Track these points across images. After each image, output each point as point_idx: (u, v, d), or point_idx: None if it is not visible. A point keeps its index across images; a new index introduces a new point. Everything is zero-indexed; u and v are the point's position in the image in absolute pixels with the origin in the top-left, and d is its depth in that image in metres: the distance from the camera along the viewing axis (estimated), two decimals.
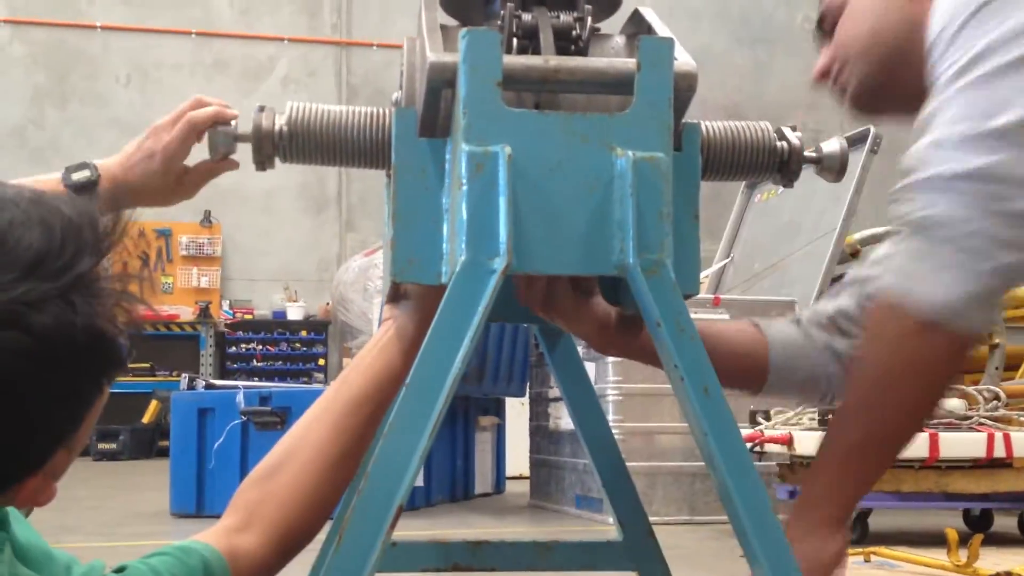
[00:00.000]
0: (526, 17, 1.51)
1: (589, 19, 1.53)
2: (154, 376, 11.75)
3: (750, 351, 1.78)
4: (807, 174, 1.72)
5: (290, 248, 12.79)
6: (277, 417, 5.58)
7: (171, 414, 6.21)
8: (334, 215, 12.91)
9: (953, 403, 4.70)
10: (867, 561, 3.85)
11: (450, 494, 6.58)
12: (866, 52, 1.72)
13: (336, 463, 1.51)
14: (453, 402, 1.37)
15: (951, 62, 1.46)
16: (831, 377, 1.77)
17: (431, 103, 1.47)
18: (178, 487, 5.84)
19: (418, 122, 1.51)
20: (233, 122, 1.66)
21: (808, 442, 4.57)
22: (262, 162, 1.59)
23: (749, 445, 4.64)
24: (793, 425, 4.78)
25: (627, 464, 2.04)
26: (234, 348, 12.32)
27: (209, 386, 6.71)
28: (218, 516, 1.47)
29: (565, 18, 1.53)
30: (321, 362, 12.37)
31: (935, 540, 3.94)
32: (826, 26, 1.81)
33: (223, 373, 11.94)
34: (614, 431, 2.03)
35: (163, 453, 9.04)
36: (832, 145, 1.71)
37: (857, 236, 6.33)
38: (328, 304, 11.63)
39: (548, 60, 1.42)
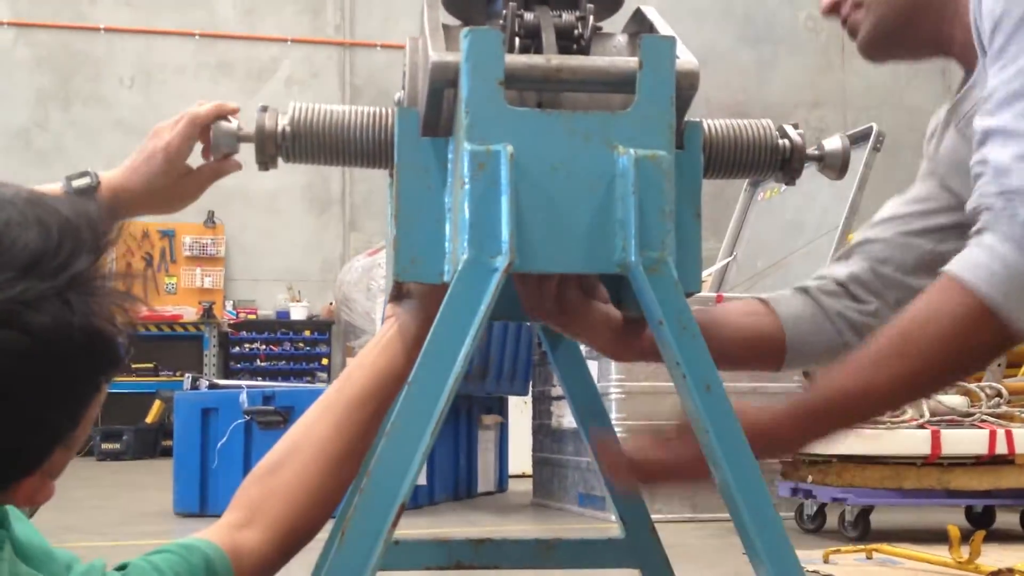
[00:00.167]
0: (528, 16, 1.51)
1: (591, 18, 1.53)
2: (158, 376, 11.77)
3: (764, 333, 1.75)
4: (809, 172, 1.72)
5: (294, 248, 12.80)
6: (280, 416, 5.59)
7: (175, 414, 6.21)
8: (338, 215, 12.92)
9: (955, 400, 4.70)
10: (869, 558, 3.85)
11: (453, 492, 6.58)
12: None
13: (338, 460, 1.51)
14: (456, 400, 1.37)
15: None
16: (849, 347, 1.71)
17: (433, 102, 1.48)
18: (182, 487, 5.85)
19: (421, 122, 1.51)
20: (236, 122, 1.66)
21: None
22: (265, 162, 1.59)
23: None
24: None
25: None
26: (238, 348, 12.33)
27: (212, 386, 6.72)
28: (221, 516, 1.48)
29: (567, 17, 1.53)
30: (324, 362, 12.38)
31: (937, 537, 3.95)
32: None
33: (227, 373, 11.95)
34: (617, 429, 2.04)
35: (167, 453, 9.06)
36: (834, 143, 1.71)
37: (859, 234, 6.33)
38: (332, 304, 11.64)
39: (550, 59, 1.43)
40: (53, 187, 1.66)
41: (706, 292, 6.25)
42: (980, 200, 1.43)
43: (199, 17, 12.76)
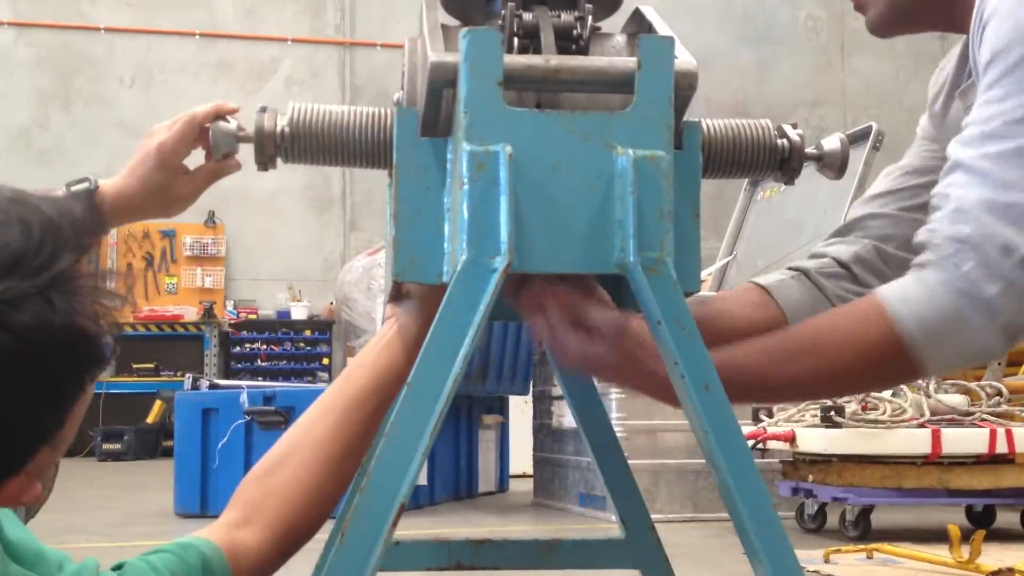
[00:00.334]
0: (527, 16, 1.51)
1: (590, 18, 1.53)
2: (158, 376, 11.78)
3: (765, 324, 1.72)
4: (809, 171, 1.72)
5: (294, 248, 12.80)
6: (281, 416, 5.59)
7: (175, 414, 6.22)
8: (338, 215, 12.92)
9: (956, 399, 4.71)
10: (870, 557, 3.85)
11: (454, 492, 6.58)
12: None
13: (337, 460, 1.51)
14: (456, 400, 1.37)
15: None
16: None
17: (432, 103, 1.48)
18: (182, 487, 5.85)
19: (419, 122, 1.51)
20: (235, 122, 1.66)
21: (811, 439, 4.58)
22: (264, 162, 1.59)
23: (752, 442, 4.65)
24: (796, 422, 4.79)
25: (631, 462, 2.04)
26: (238, 348, 12.34)
27: (213, 386, 6.72)
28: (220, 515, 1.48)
29: (566, 17, 1.53)
30: (325, 361, 12.38)
31: (938, 536, 3.95)
32: None
33: (227, 373, 11.96)
34: (618, 429, 2.04)
35: (168, 453, 9.06)
36: (833, 142, 1.71)
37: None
38: (332, 304, 11.64)
39: (549, 59, 1.43)
40: (55, 193, 1.66)
41: (706, 292, 6.24)
42: (930, 236, 1.44)
43: (199, 17, 12.77)
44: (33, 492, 1.08)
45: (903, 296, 1.43)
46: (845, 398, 4.72)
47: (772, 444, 4.71)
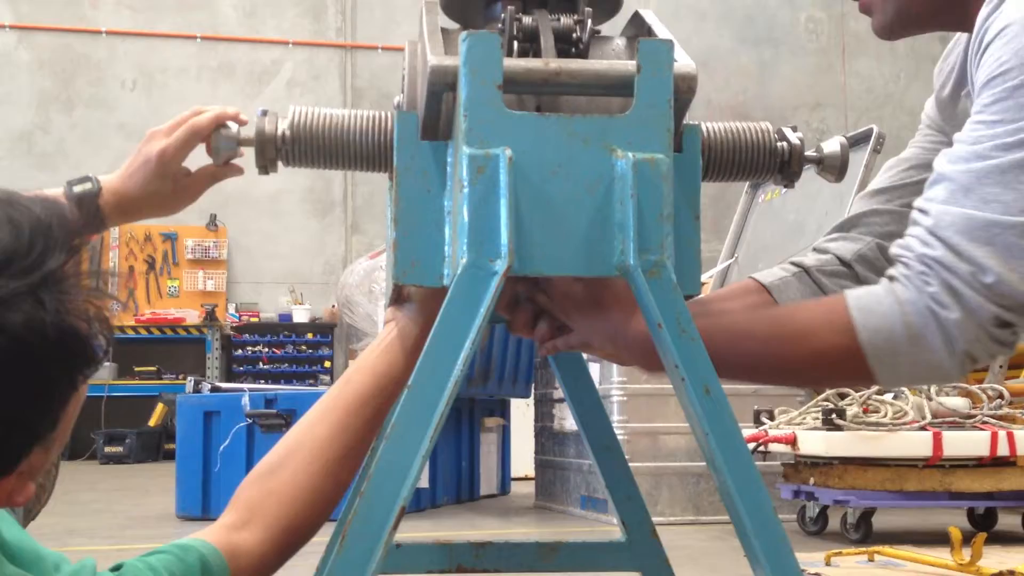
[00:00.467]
0: (527, 20, 1.52)
1: (589, 21, 1.54)
2: (160, 379, 11.78)
3: None
4: (810, 174, 1.73)
5: (296, 251, 12.80)
6: (282, 419, 5.59)
7: (177, 417, 6.21)
8: (339, 218, 12.92)
9: (957, 402, 4.70)
10: (871, 560, 3.85)
11: (455, 495, 6.58)
12: None
13: (337, 462, 1.52)
14: (458, 403, 1.38)
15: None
16: None
17: (432, 106, 1.48)
18: (184, 490, 5.85)
19: (420, 125, 1.52)
20: (236, 126, 1.67)
21: (812, 442, 4.58)
22: (265, 166, 1.60)
23: (753, 445, 4.65)
24: (797, 425, 4.79)
25: (632, 464, 2.05)
26: (240, 351, 12.33)
27: (214, 389, 6.72)
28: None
29: (565, 20, 1.54)
30: (327, 364, 12.38)
31: (939, 539, 3.94)
32: None
33: (229, 376, 11.95)
34: (619, 432, 2.04)
35: (169, 456, 9.05)
36: (832, 145, 1.71)
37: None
38: (334, 307, 11.64)
39: (548, 63, 1.43)
40: (55, 191, 1.66)
41: (709, 294, 6.23)
42: (903, 251, 1.45)
43: (201, 20, 12.77)
44: (27, 493, 1.08)
45: (868, 307, 1.45)
46: (846, 400, 4.73)
47: (773, 447, 4.71)
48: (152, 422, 11.07)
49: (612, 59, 1.59)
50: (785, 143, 1.65)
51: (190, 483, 5.81)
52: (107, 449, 10.63)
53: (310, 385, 11.37)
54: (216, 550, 1.36)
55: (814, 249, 1.85)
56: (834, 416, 4.52)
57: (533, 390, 6.66)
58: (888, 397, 4.72)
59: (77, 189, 1.68)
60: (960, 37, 1.75)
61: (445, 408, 1.33)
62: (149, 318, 12.10)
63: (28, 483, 1.08)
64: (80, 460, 10.77)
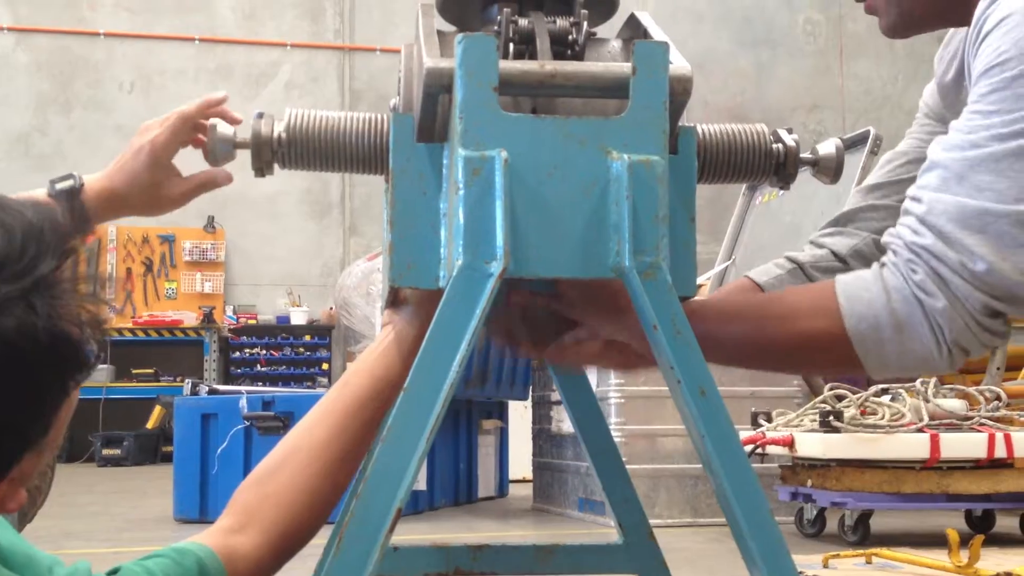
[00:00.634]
0: (522, 22, 1.52)
1: (585, 24, 1.54)
2: (158, 382, 11.77)
3: None
4: (807, 175, 1.73)
5: (293, 253, 12.80)
6: (280, 422, 5.59)
7: (175, 419, 6.21)
8: (337, 219, 12.92)
9: (954, 404, 4.70)
10: (868, 562, 3.85)
11: (453, 498, 6.58)
12: None
13: (335, 465, 1.52)
14: (456, 405, 1.38)
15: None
16: None
17: (428, 108, 1.48)
18: (181, 492, 5.85)
19: (416, 127, 1.52)
20: (232, 128, 1.66)
21: (810, 444, 4.58)
22: (261, 168, 1.59)
23: (751, 447, 4.64)
24: (795, 427, 4.79)
25: (630, 467, 2.04)
26: (238, 353, 12.33)
27: (212, 391, 6.72)
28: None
29: (561, 23, 1.54)
30: (325, 366, 12.38)
31: (937, 541, 3.94)
32: None
33: (227, 378, 11.95)
34: (616, 434, 2.04)
35: (167, 458, 9.05)
36: (828, 147, 1.71)
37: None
38: (332, 308, 11.65)
39: (544, 65, 1.43)
40: (39, 192, 1.66)
41: (707, 296, 6.23)
42: (894, 239, 1.46)
43: (199, 22, 12.78)
44: (19, 499, 1.08)
45: (855, 294, 1.45)
46: (843, 402, 4.73)
47: (771, 449, 4.71)
48: (150, 424, 11.07)
49: (608, 61, 1.59)
50: (780, 145, 1.65)
51: (188, 485, 5.80)
52: (105, 451, 10.62)
53: (308, 387, 11.37)
54: (213, 554, 1.36)
55: (810, 243, 1.85)
56: (831, 418, 4.52)
57: (531, 392, 6.66)
58: (885, 399, 4.72)
59: (59, 186, 1.67)
60: (959, 33, 1.75)
61: (441, 410, 1.33)
62: (147, 320, 12.10)
63: (20, 489, 1.07)
64: (78, 462, 10.77)
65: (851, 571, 3.77)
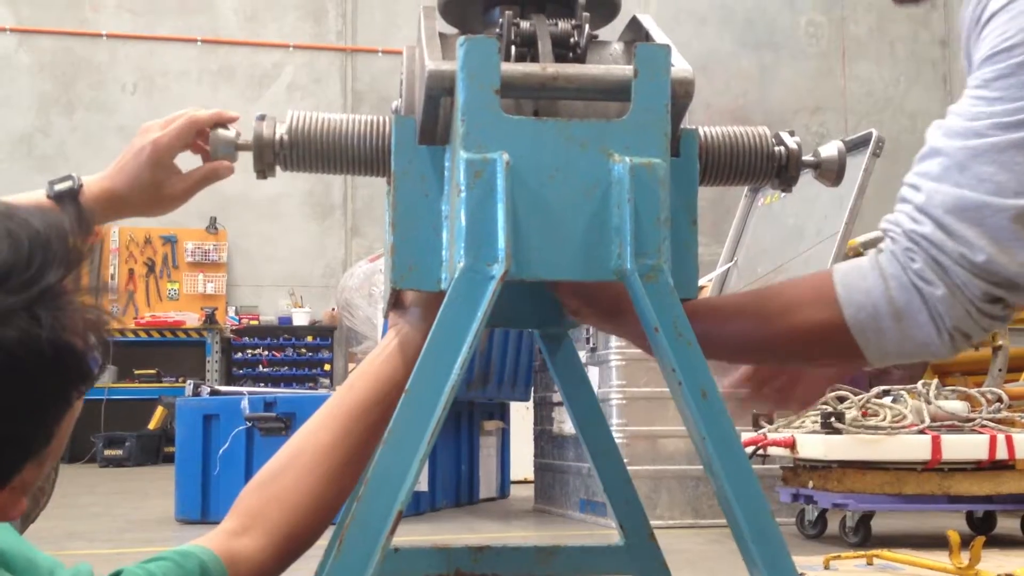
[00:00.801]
0: (524, 25, 1.52)
1: (587, 26, 1.54)
2: (160, 382, 11.78)
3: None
4: (809, 177, 1.73)
5: (295, 254, 12.81)
6: (282, 423, 5.59)
7: (176, 420, 6.22)
8: (339, 221, 12.93)
9: (956, 405, 4.70)
10: (870, 564, 3.85)
11: (455, 499, 6.58)
12: None
13: (340, 467, 1.52)
14: (457, 407, 1.38)
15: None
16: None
17: (430, 111, 1.48)
18: (183, 493, 5.85)
19: (417, 130, 1.52)
20: (235, 130, 1.66)
21: (811, 445, 4.58)
22: (263, 170, 1.60)
23: (752, 448, 4.64)
24: (796, 428, 4.79)
25: (631, 468, 2.05)
26: (240, 354, 12.34)
27: (214, 392, 6.72)
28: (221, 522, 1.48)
29: (563, 25, 1.54)
30: (327, 367, 12.38)
31: (938, 542, 3.94)
32: None
33: (229, 379, 11.96)
34: (618, 435, 2.04)
35: (169, 459, 9.05)
36: (830, 150, 1.71)
37: (860, 239, 6.33)
38: (334, 309, 11.65)
39: (546, 67, 1.43)
40: (38, 193, 1.66)
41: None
42: (892, 226, 1.45)
43: (201, 23, 12.79)
44: (19, 508, 1.07)
45: (852, 282, 1.45)
46: (845, 404, 4.73)
47: (772, 450, 4.71)
48: (152, 425, 11.07)
49: (609, 64, 1.59)
50: (783, 148, 1.65)
51: (189, 486, 5.81)
52: (106, 452, 10.63)
53: (310, 388, 11.37)
54: (216, 557, 1.36)
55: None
56: (833, 419, 4.52)
57: (532, 393, 6.66)
58: (887, 401, 4.72)
59: (57, 188, 1.67)
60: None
61: (442, 412, 1.33)
62: (149, 321, 12.10)
63: (21, 498, 1.07)
64: (79, 463, 10.77)
65: (852, 572, 3.77)
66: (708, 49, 13.14)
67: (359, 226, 12.91)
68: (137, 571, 1.26)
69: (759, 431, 4.85)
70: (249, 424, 5.69)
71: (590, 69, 1.45)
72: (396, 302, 1.68)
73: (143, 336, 11.99)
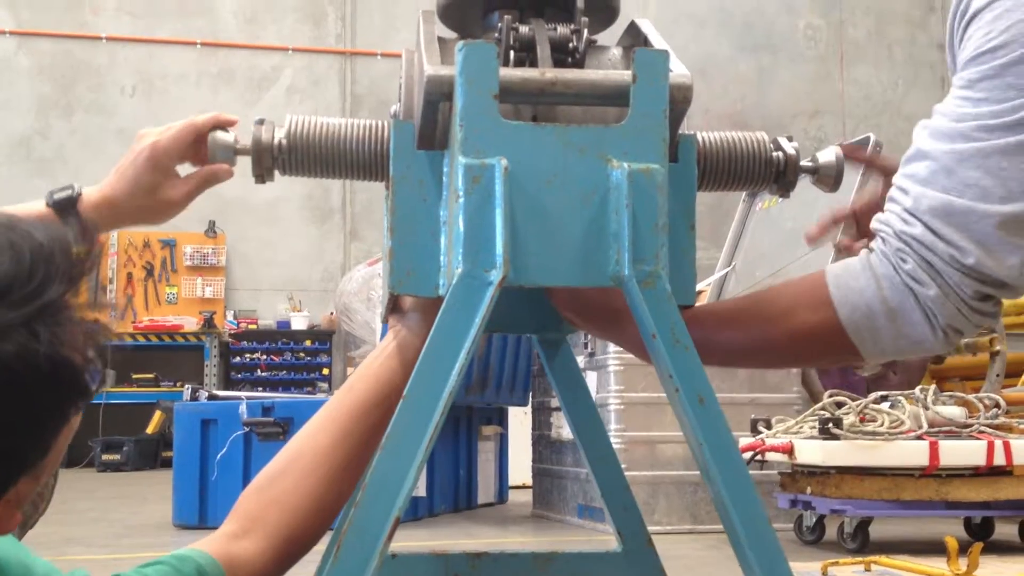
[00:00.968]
0: (523, 29, 1.52)
1: (586, 31, 1.54)
2: (158, 387, 11.76)
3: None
4: (808, 182, 1.73)
5: (294, 258, 12.81)
6: (280, 428, 5.58)
7: (174, 425, 6.21)
8: (338, 225, 12.93)
9: (953, 411, 4.70)
10: (868, 570, 3.85)
11: (453, 504, 6.57)
12: None
13: (338, 470, 1.51)
14: (456, 411, 1.38)
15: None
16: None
17: (429, 116, 1.48)
18: (181, 498, 5.84)
19: (416, 135, 1.52)
20: (233, 135, 1.66)
21: (809, 451, 4.57)
22: (261, 175, 1.60)
23: (750, 454, 4.64)
24: (794, 434, 4.79)
25: (629, 473, 2.04)
26: (238, 358, 12.33)
27: (212, 397, 6.71)
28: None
29: (562, 30, 1.54)
30: (325, 372, 12.38)
31: (935, 548, 3.94)
32: None
33: (227, 383, 11.94)
34: (616, 440, 2.04)
35: (167, 464, 9.05)
36: (828, 155, 1.71)
37: (858, 244, 6.33)
38: (332, 314, 11.65)
39: (544, 72, 1.43)
40: (36, 204, 1.66)
41: (707, 302, 6.22)
42: (883, 227, 1.45)
43: (200, 26, 12.79)
44: (14, 521, 1.06)
45: (846, 283, 1.46)
46: (843, 409, 4.72)
47: (770, 456, 4.70)
48: (150, 430, 11.06)
49: (608, 69, 1.59)
50: (781, 153, 1.65)
51: (187, 491, 5.80)
52: (104, 457, 10.61)
53: (308, 393, 11.35)
54: (214, 560, 1.36)
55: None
56: (831, 425, 4.51)
57: (531, 398, 6.65)
58: (885, 406, 4.72)
59: (57, 196, 1.66)
60: None
61: (440, 418, 1.33)
62: (147, 325, 12.10)
63: (15, 511, 1.06)
64: (77, 468, 10.75)
65: None
66: (706, 53, 13.15)
67: (358, 230, 12.91)
68: None
69: (757, 437, 4.85)
70: (247, 429, 5.68)
71: (589, 74, 1.45)
72: (394, 307, 1.68)
73: (141, 340, 11.98)
